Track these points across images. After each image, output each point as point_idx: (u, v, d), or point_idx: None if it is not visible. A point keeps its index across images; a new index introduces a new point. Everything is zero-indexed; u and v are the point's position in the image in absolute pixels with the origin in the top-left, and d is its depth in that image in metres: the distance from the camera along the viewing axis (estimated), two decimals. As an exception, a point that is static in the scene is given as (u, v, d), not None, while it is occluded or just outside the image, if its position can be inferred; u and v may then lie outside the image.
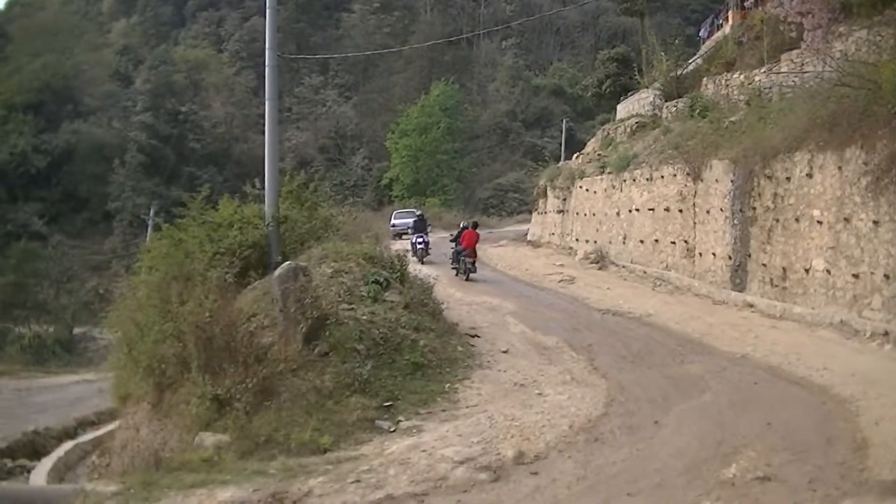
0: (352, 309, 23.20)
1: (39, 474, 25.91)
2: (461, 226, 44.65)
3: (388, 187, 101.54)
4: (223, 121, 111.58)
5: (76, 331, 71.85)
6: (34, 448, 30.30)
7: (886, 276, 22.96)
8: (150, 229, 67.68)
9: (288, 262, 22.87)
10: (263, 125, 31.35)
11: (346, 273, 25.16)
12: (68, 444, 30.33)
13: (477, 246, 41.97)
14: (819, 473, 14.40)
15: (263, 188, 28.46)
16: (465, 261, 41.19)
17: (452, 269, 42.62)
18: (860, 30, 28.72)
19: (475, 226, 43.72)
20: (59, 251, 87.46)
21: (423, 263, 44.63)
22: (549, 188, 58.05)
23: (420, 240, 49.22)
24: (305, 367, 20.36)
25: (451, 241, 44.06)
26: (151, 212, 76.12)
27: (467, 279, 40.43)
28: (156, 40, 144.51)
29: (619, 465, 15.65)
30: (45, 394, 42.35)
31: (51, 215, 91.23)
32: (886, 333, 22.70)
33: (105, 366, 31.41)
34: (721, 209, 32.13)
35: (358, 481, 15.44)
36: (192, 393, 20.11)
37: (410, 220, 64.67)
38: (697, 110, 41.01)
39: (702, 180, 34.00)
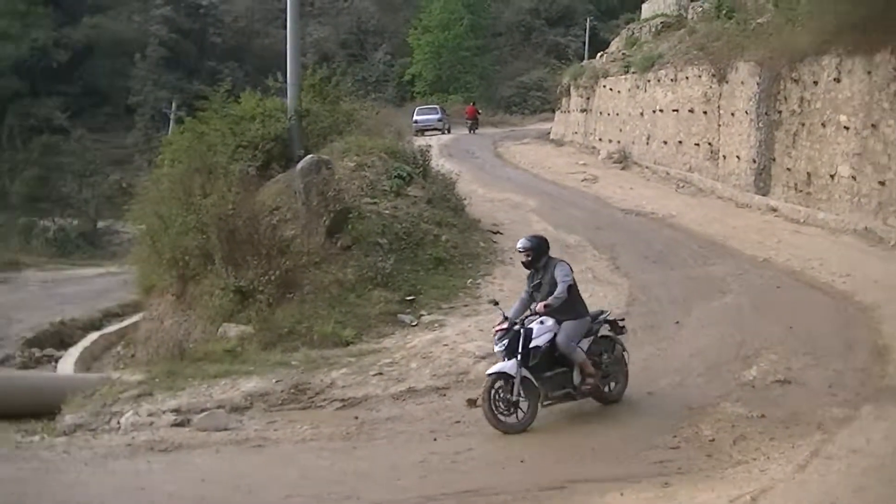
0: (374, 203, 23.25)
1: (66, 363, 26.19)
2: None
3: (411, 84, 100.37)
4: (244, 15, 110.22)
5: (99, 224, 72.16)
6: (61, 338, 30.66)
7: (913, 184, 22.81)
8: (171, 123, 67.14)
9: (311, 155, 22.84)
10: (284, 19, 31.01)
11: (369, 167, 25.15)
12: (94, 335, 30.61)
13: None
14: (839, 378, 14.44)
15: (285, 82, 28.27)
16: None
17: None
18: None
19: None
20: (81, 145, 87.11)
21: None
22: (572, 87, 57.48)
23: None
24: (328, 260, 20.47)
25: None
26: (173, 106, 75.52)
27: None
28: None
29: (639, 364, 15.71)
30: (70, 285, 42.66)
31: (73, 110, 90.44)
32: (911, 241, 22.62)
33: (128, 258, 31.56)
34: (746, 112, 31.75)
35: (380, 374, 15.60)
36: (215, 285, 20.25)
37: (434, 118, 64.47)
38: (724, 11, 40.25)
39: (727, 82, 33.59)
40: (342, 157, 25.41)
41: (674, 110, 38.75)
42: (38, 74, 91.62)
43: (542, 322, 13.62)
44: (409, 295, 19.99)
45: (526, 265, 14.46)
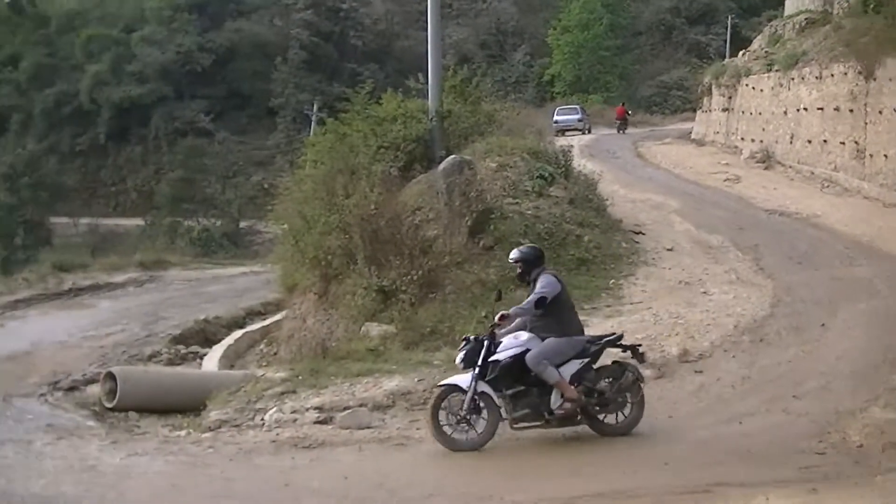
0: (516, 203, 23.29)
1: (211, 360, 26.64)
2: None
3: (550, 84, 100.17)
4: (383, 17, 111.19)
5: (242, 224, 73.75)
6: (205, 336, 31.16)
7: None
8: (312, 125, 68.18)
9: (453, 156, 22.97)
10: (423, 22, 31.31)
11: (511, 167, 25.21)
12: (237, 333, 31.06)
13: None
14: None
15: (426, 83, 28.44)
16: None
17: None
18: None
19: None
20: (224, 147, 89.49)
21: None
22: (713, 86, 56.86)
23: None
24: (470, 261, 20.57)
25: None
26: (314, 107, 76.41)
27: None
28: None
29: (784, 367, 15.56)
30: (213, 284, 43.48)
31: (216, 112, 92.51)
32: None
33: (271, 258, 32.11)
34: (894, 110, 31.01)
35: (523, 373, 15.55)
36: (357, 284, 20.48)
37: (574, 118, 64.40)
38: (871, 5, 39.43)
39: (874, 79, 32.79)
40: (484, 157, 25.51)
41: (818, 108, 37.96)
42: (182, 78, 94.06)
43: (515, 336, 12.83)
44: (552, 295, 19.97)
45: (519, 277, 13.57)
